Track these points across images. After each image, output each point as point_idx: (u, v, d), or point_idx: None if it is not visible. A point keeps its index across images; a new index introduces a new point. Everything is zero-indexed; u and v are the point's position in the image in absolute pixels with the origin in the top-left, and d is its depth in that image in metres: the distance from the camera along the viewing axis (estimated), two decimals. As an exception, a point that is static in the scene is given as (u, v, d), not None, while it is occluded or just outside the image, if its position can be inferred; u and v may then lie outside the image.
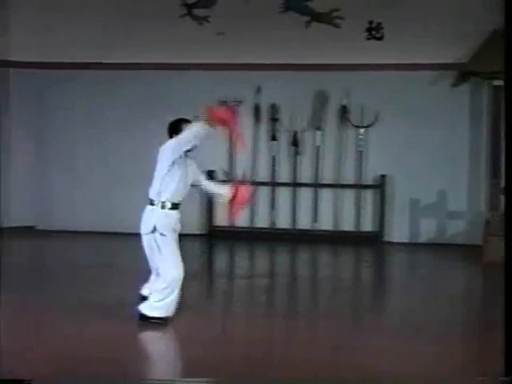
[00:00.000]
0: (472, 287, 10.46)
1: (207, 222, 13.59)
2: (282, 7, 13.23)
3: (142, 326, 7.30)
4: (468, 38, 12.49)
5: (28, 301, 8.39)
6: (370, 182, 13.34)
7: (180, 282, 7.32)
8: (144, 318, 7.36)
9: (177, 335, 7.28)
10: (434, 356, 6.51)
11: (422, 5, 12.89)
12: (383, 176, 13.13)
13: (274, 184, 13.57)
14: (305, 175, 13.50)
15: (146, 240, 7.36)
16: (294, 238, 13.27)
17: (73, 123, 13.82)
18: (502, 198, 11.88)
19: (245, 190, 7.66)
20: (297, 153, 13.43)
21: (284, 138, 13.50)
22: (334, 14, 13.16)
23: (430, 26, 12.84)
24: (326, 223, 13.46)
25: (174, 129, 7.42)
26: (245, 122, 13.43)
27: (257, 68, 13.15)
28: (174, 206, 7.35)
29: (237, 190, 7.58)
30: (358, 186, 13.36)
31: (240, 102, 12.31)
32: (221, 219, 13.56)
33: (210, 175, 13.33)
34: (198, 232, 13.48)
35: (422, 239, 13.17)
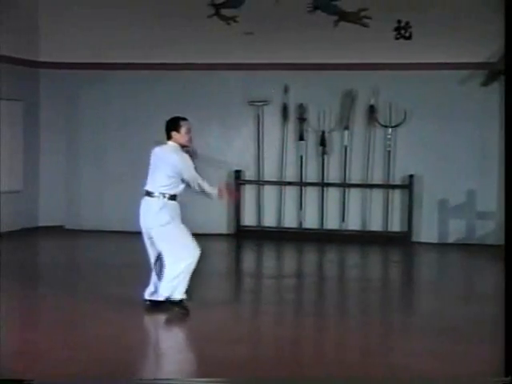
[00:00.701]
0: (501, 287, 10.34)
1: (235, 222, 13.60)
2: (311, 7, 13.20)
3: (164, 324, 7.44)
4: (497, 36, 12.35)
5: (46, 299, 8.49)
6: (398, 182, 13.28)
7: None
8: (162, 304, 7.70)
9: (200, 334, 7.27)
10: (465, 356, 6.48)
11: (451, 4, 12.82)
12: (411, 176, 13.06)
13: (301, 184, 13.54)
14: (332, 175, 13.46)
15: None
16: (322, 238, 13.23)
17: (102, 123, 13.87)
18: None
19: (229, 194, 8.22)
20: (324, 153, 13.39)
21: (312, 138, 13.47)
22: (362, 13, 13.12)
23: (458, 25, 12.76)
24: (353, 223, 13.42)
25: (172, 126, 7.75)
26: (272, 121, 13.49)
27: (284, 67, 13.15)
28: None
29: (221, 193, 7.87)
30: (386, 186, 13.30)
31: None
32: (249, 219, 13.60)
33: (238, 175, 13.41)
34: (225, 232, 13.51)
35: (451, 239, 13.09)
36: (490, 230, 12.94)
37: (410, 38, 13.08)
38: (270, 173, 13.58)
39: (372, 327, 7.66)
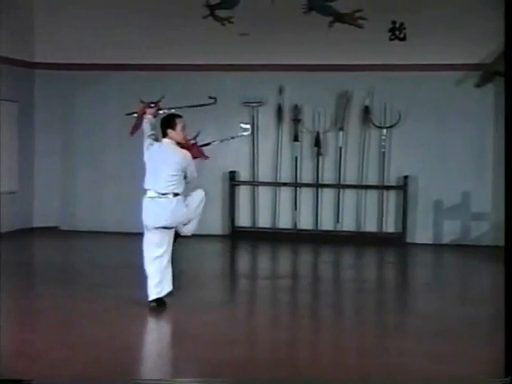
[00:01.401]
0: (496, 288, 10.38)
1: (230, 222, 13.60)
2: (305, 8, 13.21)
3: (155, 326, 7.44)
4: (492, 38, 12.41)
5: (41, 299, 8.50)
6: (392, 183, 13.30)
7: None
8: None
9: (193, 335, 7.26)
10: (460, 356, 6.49)
11: (445, 5, 12.83)
12: (406, 177, 13.08)
13: (296, 185, 13.55)
14: (327, 176, 13.48)
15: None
16: (317, 239, 13.25)
17: (97, 124, 13.85)
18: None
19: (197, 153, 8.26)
20: (319, 153, 13.40)
21: (306, 139, 13.49)
22: (357, 14, 13.13)
23: (453, 27, 12.79)
24: (348, 224, 13.43)
25: (167, 124, 7.94)
26: (267, 122, 13.49)
27: (279, 68, 13.16)
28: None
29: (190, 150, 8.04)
30: (381, 187, 13.32)
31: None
32: (243, 220, 13.61)
33: (233, 176, 13.42)
34: (220, 233, 13.51)
35: (446, 240, 13.11)
36: (484, 230, 12.98)
37: (404, 39, 13.10)
38: (264, 174, 13.59)
39: (367, 328, 7.66)
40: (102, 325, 7.40)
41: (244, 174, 13.62)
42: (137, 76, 13.48)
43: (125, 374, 5.95)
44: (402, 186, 13.13)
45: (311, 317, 8.22)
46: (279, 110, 13.41)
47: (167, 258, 7.92)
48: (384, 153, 13.26)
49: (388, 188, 13.31)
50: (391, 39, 13.14)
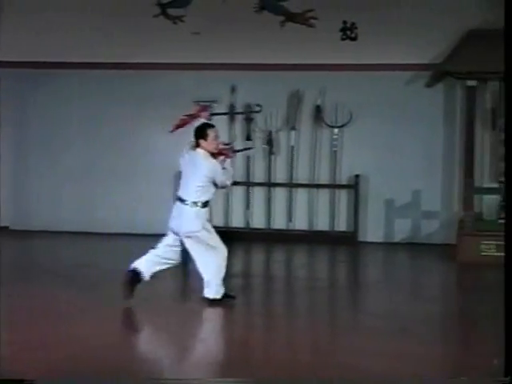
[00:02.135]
0: (447, 286, 10.52)
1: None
2: (257, 7, 13.21)
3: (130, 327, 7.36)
4: (442, 38, 12.56)
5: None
6: (344, 182, 13.36)
7: None
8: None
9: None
10: (415, 355, 6.53)
11: (396, 5, 12.92)
12: (357, 176, 13.15)
13: (248, 184, 13.55)
14: (279, 175, 13.50)
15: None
16: (269, 238, 13.26)
17: (57, 124, 13.71)
18: (476, 197, 11.99)
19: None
20: (271, 153, 13.42)
21: (259, 138, 13.49)
22: (309, 14, 13.16)
23: (404, 27, 12.87)
24: (300, 223, 13.47)
25: (199, 134, 8.12)
26: (220, 121, 13.43)
27: (232, 68, 13.13)
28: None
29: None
30: (333, 186, 13.37)
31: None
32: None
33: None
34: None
35: (397, 239, 13.21)
36: (434, 229, 13.11)
37: (355, 39, 13.17)
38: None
39: (320, 327, 7.69)
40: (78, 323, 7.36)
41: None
42: (91, 75, 13.40)
43: (122, 374, 5.88)
44: (354, 185, 13.20)
45: (263, 316, 8.23)
46: (231, 109, 13.39)
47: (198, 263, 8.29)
48: (336, 152, 13.32)
49: (340, 187, 13.37)
50: (343, 39, 13.19)
